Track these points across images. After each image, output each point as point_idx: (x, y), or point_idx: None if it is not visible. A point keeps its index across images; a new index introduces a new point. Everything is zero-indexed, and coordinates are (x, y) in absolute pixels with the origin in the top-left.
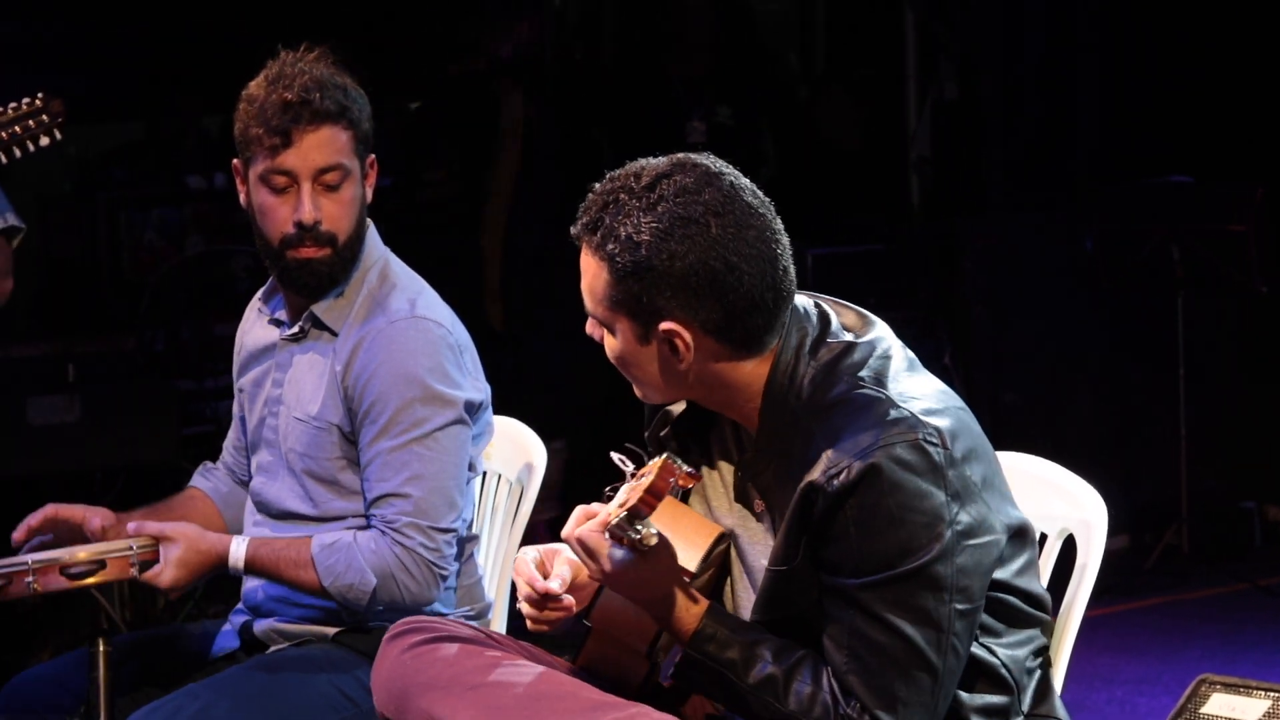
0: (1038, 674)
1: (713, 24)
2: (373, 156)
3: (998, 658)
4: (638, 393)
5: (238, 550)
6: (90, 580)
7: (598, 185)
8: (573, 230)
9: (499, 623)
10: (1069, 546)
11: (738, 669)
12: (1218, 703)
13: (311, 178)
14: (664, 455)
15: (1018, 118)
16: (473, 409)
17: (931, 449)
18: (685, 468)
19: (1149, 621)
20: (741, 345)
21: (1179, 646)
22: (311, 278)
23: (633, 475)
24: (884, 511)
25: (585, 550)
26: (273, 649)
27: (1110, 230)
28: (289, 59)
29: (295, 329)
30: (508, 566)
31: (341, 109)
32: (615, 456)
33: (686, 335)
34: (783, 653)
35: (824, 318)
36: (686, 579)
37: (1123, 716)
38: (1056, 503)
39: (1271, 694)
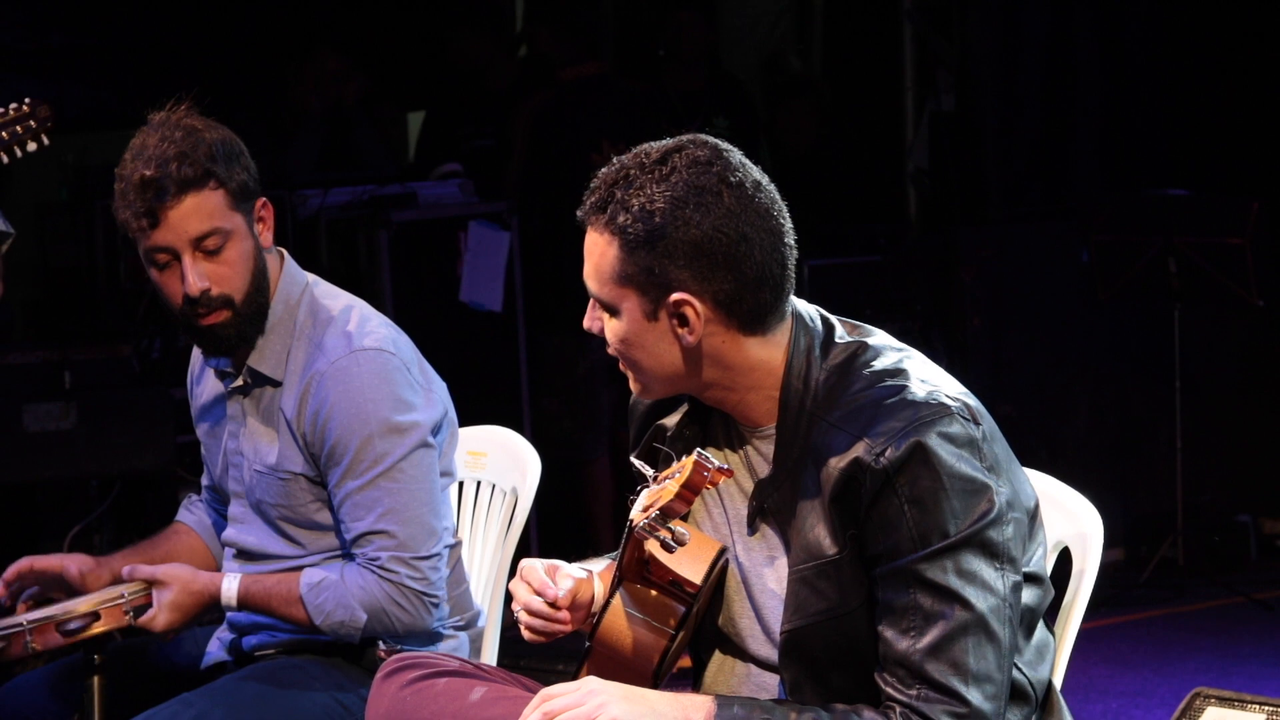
0: (1048, 685)
1: (707, 37)
2: (262, 200)
3: (1021, 672)
4: (635, 386)
5: (230, 588)
6: (87, 633)
7: (603, 170)
8: (579, 212)
9: (492, 632)
10: (1064, 559)
11: (773, 710)
12: (1213, 716)
13: (190, 248)
14: (695, 452)
15: (1015, 129)
16: (435, 422)
17: (966, 424)
18: (716, 464)
19: (1144, 634)
20: (749, 320)
21: (1174, 660)
22: (220, 342)
23: (655, 479)
24: (936, 485)
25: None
26: (264, 660)
27: (1107, 242)
28: (153, 124)
29: (237, 382)
30: (501, 577)
31: (205, 173)
32: (636, 461)
33: (698, 305)
34: (810, 681)
35: (827, 322)
36: (692, 593)
37: None
38: (1053, 516)
39: (1267, 708)
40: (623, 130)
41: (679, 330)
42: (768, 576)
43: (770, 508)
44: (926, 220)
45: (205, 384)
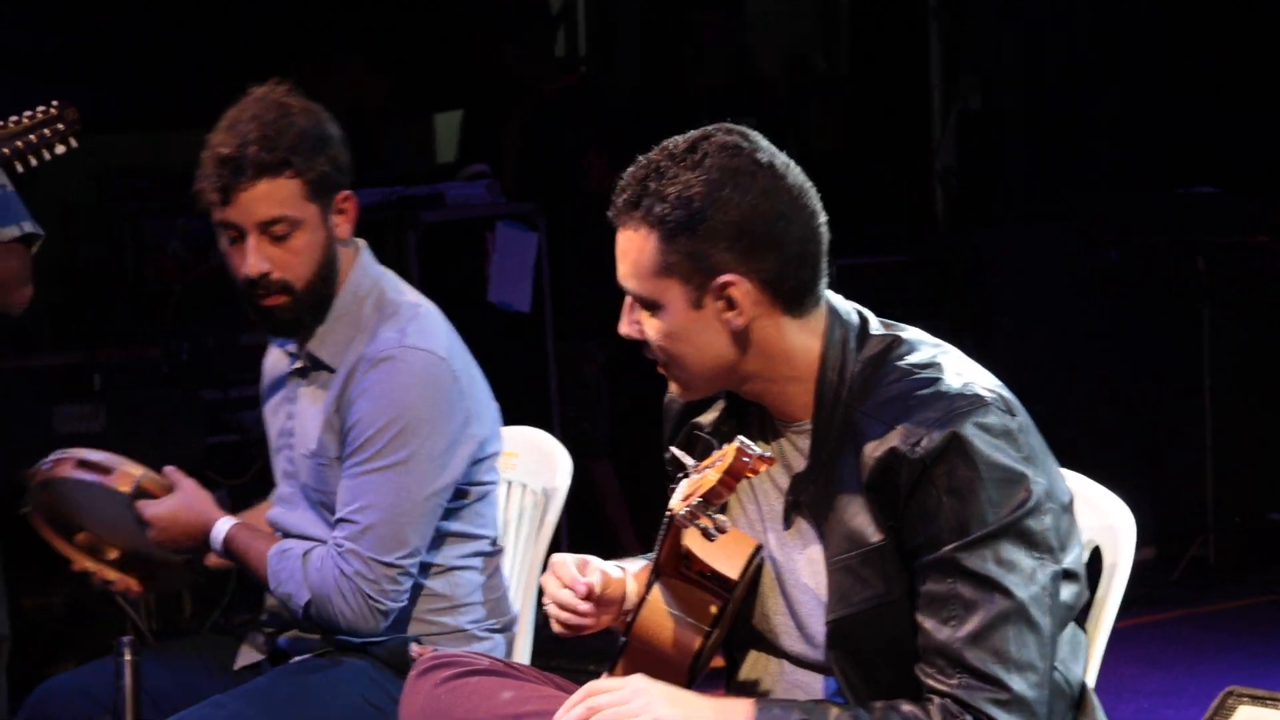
0: (1082, 683)
1: (733, 37)
2: (345, 193)
3: (1058, 670)
4: (675, 387)
5: (221, 527)
6: (94, 477)
7: (630, 169)
8: (610, 213)
9: (525, 633)
10: (1095, 558)
11: (812, 710)
12: (1245, 715)
13: (256, 231)
14: (737, 439)
15: (1042, 127)
16: (463, 437)
17: (1002, 415)
18: (759, 451)
19: (1175, 634)
20: (791, 300)
21: (1206, 658)
22: (276, 324)
23: (695, 468)
24: (973, 475)
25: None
26: (297, 658)
27: (1135, 241)
28: (250, 99)
29: (298, 364)
30: (533, 578)
31: (282, 161)
32: (675, 451)
33: (745, 285)
34: (857, 670)
35: (862, 315)
36: (729, 587)
37: None
38: (1084, 514)
39: None
40: (607, 139)
41: (725, 315)
42: (802, 572)
43: (806, 501)
44: (953, 220)
45: (271, 360)
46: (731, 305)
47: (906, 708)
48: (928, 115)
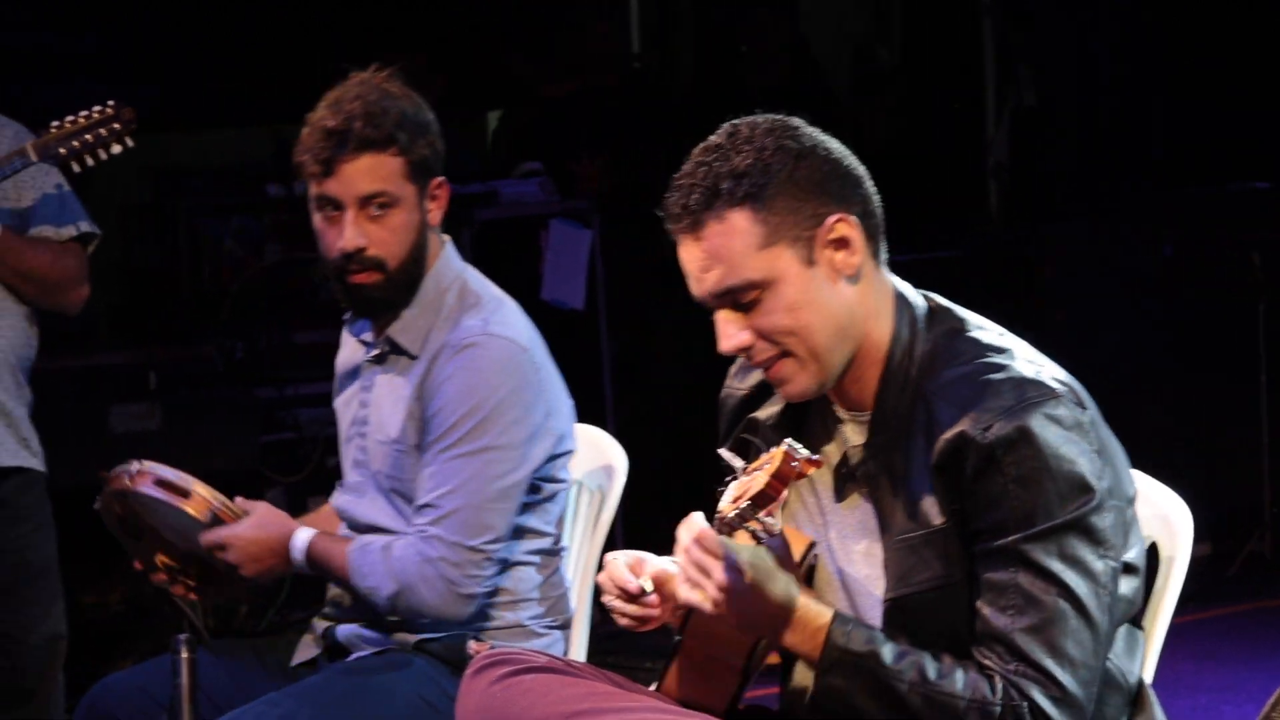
0: (1139, 680)
1: (787, 35)
2: (439, 180)
3: (1114, 664)
4: (792, 388)
5: (303, 536)
6: (171, 499)
7: (679, 179)
8: (678, 224)
9: (580, 630)
10: (1152, 554)
11: (880, 658)
12: None
13: (356, 205)
14: (785, 442)
15: (1096, 123)
16: (544, 430)
17: (1073, 408)
18: (807, 454)
19: (1233, 629)
20: (877, 243)
21: (1263, 654)
22: (366, 302)
23: (744, 471)
24: (1041, 466)
25: (703, 550)
26: (354, 655)
27: (1190, 237)
28: (352, 81)
29: (376, 351)
30: (589, 575)
31: (388, 137)
32: (725, 453)
33: (850, 218)
34: (918, 641)
35: (929, 298)
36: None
37: None
38: (1141, 510)
39: None
40: (602, 144)
41: (839, 261)
42: (858, 559)
43: (864, 476)
44: (1007, 215)
45: (345, 353)
46: (845, 245)
47: (974, 673)
48: (981, 111)
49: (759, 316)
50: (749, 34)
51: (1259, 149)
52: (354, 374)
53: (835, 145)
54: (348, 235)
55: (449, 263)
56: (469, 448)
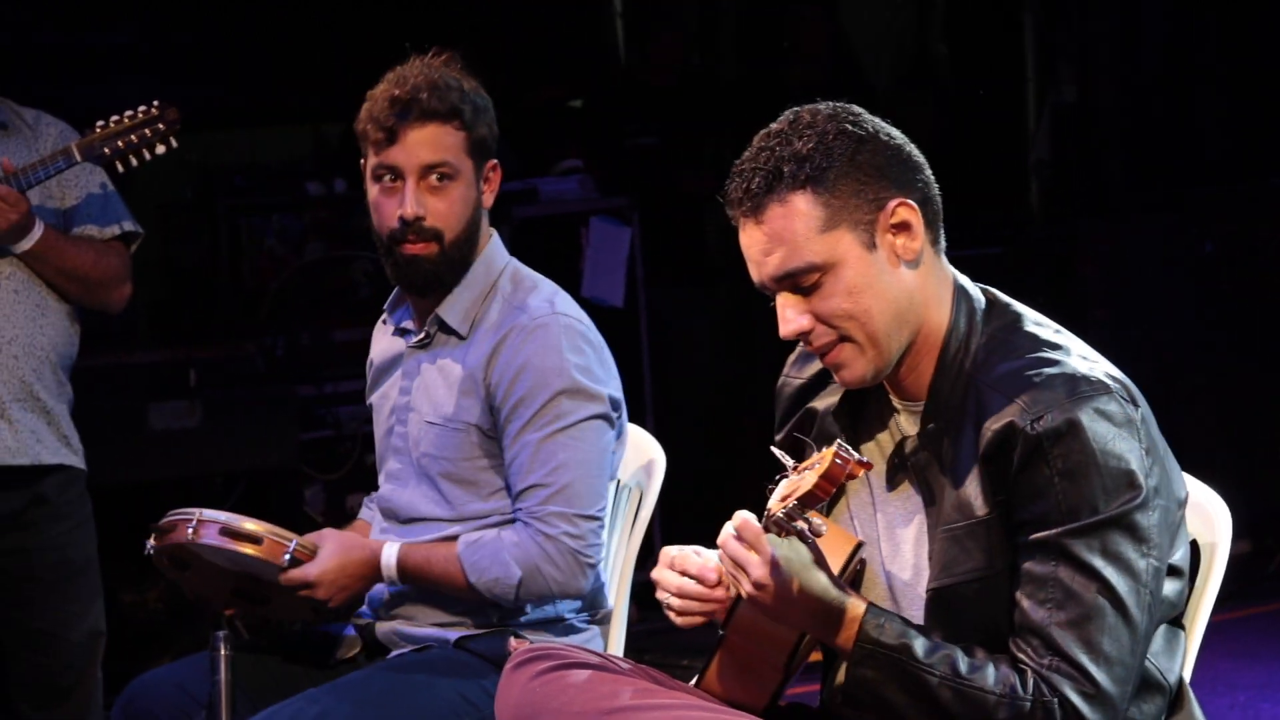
0: (1179, 680)
1: (829, 33)
2: (494, 162)
3: (1153, 664)
4: (851, 374)
5: (390, 550)
6: (242, 548)
7: (740, 165)
8: (740, 208)
9: (618, 627)
10: (1192, 552)
11: (912, 651)
12: None
13: (417, 174)
14: (835, 443)
15: (1137, 119)
16: (616, 405)
17: (1125, 404)
18: (857, 456)
19: (1272, 627)
20: (937, 229)
21: None
22: (419, 275)
23: (794, 469)
24: (1088, 460)
25: (744, 543)
26: (394, 653)
27: (1231, 232)
28: (415, 61)
29: (422, 335)
30: (627, 572)
31: (452, 109)
32: (776, 451)
33: (910, 203)
34: (950, 640)
35: (987, 292)
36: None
37: None
38: None
39: None
40: (577, 149)
41: (899, 246)
42: (905, 545)
43: (914, 466)
44: (1048, 211)
45: (380, 347)
46: (905, 229)
47: (1005, 668)
48: (1023, 107)
49: (819, 300)
50: (791, 32)
51: None
52: (392, 366)
53: (896, 132)
54: (408, 203)
55: (499, 249)
56: (564, 423)
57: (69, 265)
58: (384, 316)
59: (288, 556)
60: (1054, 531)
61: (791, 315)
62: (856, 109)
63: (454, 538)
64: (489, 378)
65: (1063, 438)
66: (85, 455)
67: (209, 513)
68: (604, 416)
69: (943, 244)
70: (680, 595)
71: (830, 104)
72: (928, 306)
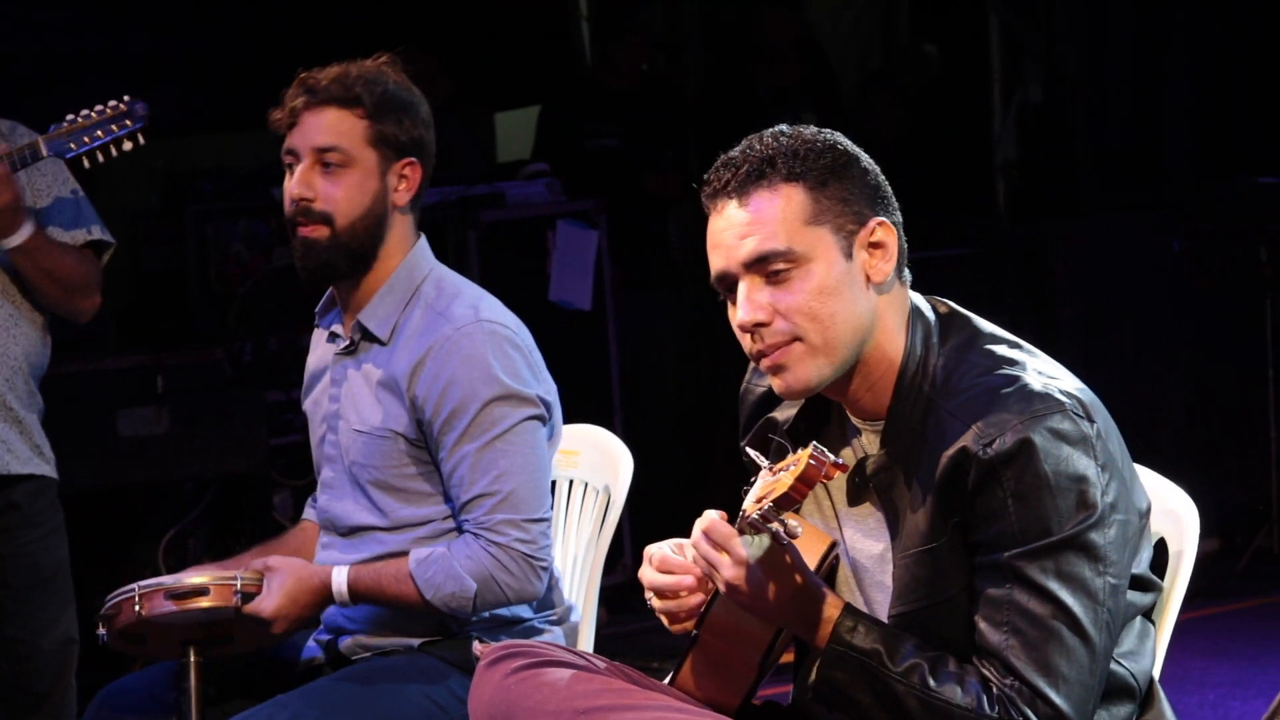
0: (1149, 678)
1: (796, 34)
2: (410, 161)
3: (1123, 667)
4: (787, 381)
5: (339, 576)
6: (194, 604)
7: (727, 157)
8: (724, 191)
9: (586, 629)
10: (1160, 550)
11: (883, 657)
12: None
13: (311, 157)
14: (811, 445)
15: (1104, 119)
16: (547, 405)
17: (1080, 420)
18: (833, 458)
19: (1241, 624)
20: (903, 264)
21: (1272, 649)
22: (312, 260)
23: (769, 470)
24: (1041, 481)
25: (713, 545)
26: (361, 657)
27: (1198, 231)
28: (358, 60)
29: (347, 341)
30: (595, 574)
31: (353, 97)
32: (750, 452)
33: (890, 225)
34: (924, 646)
35: (940, 306)
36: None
37: None
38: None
39: None
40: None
41: (873, 265)
42: (874, 568)
43: (877, 488)
44: (1015, 212)
45: (314, 355)
46: (880, 249)
47: (975, 682)
48: (989, 108)
49: (785, 293)
50: (756, 35)
51: (1269, 144)
52: (322, 372)
53: (877, 168)
54: (295, 183)
55: (424, 255)
56: (499, 430)
57: (54, 265)
58: (316, 321)
59: (238, 595)
60: (1008, 554)
61: (753, 302)
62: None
63: (399, 554)
64: (414, 390)
65: (1015, 459)
66: (55, 462)
67: (146, 583)
68: (537, 418)
69: (907, 278)
70: (659, 594)
71: (819, 128)
72: (885, 333)
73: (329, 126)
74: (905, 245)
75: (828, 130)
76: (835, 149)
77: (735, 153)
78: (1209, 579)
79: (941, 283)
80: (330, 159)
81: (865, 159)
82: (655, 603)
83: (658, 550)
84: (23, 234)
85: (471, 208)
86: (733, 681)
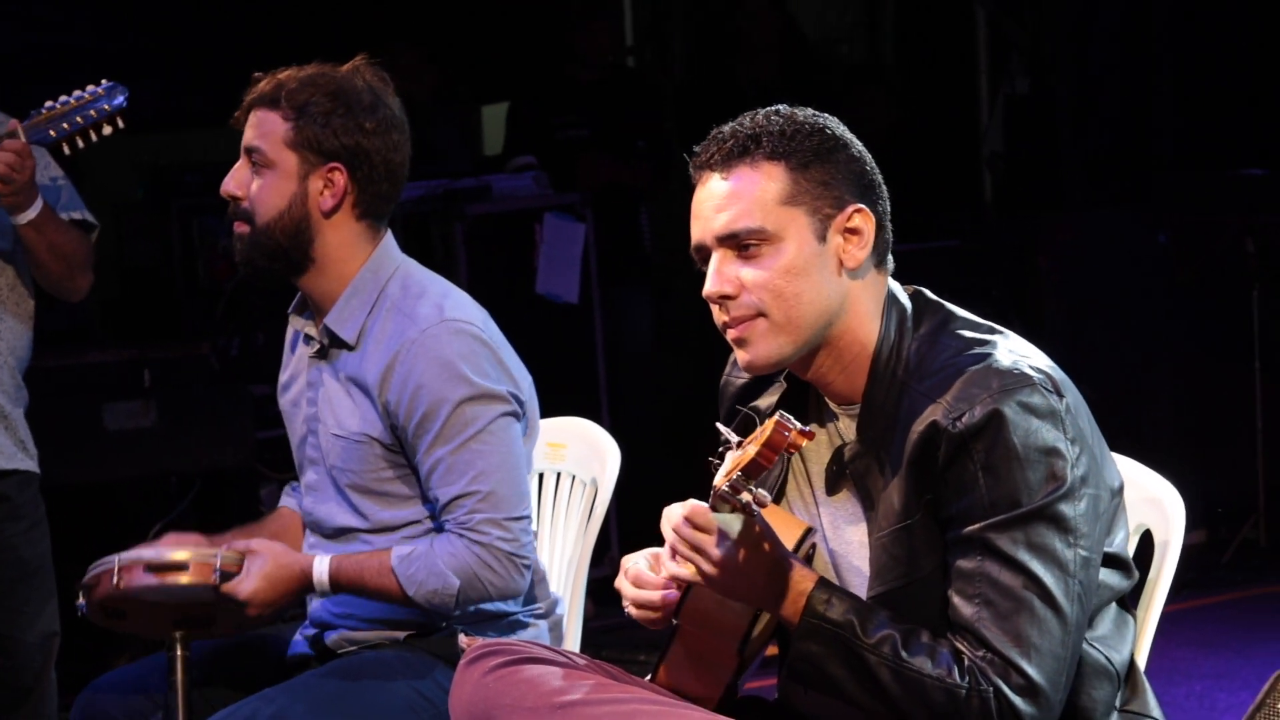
0: (1132, 665)
1: (778, 26)
2: (335, 166)
3: (1099, 651)
4: (751, 356)
5: (321, 566)
6: (173, 579)
7: (718, 131)
8: (710, 163)
9: (574, 623)
10: (1146, 542)
11: (856, 629)
12: None
13: (244, 154)
14: (778, 413)
15: (1091, 112)
16: (519, 400)
17: (1049, 395)
18: (799, 425)
19: (1227, 616)
20: (884, 252)
21: (1258, 641)
22: (240, 256)
23: (738, 445)
24: (1010, 454)
25: (695, 528)
26: (346, 650)
27: (1185, 223)
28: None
29: (319, 345)
30: (582, 567)
31: (278, 98)
32: (721, 427)
33: (869, 216)
34: (898, 619)
35: (917, 295)
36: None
37: (1202, 711)
38: (1134, 499)
39: None
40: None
41: (846, 250)
42: (853, 553)
43: (853, 474)
44: (1002, 205)
45: (292, 355)
46: (855, 235)
47: (947, 653)
48: (975, 100)
49: (754, 269)
50: (740, 27)
51: (1255, 136)
52: (299, 374)
53: (870, 158)
54: (226, 178)
55: (388, 254)
56: (473, 430)
57: (61, 240)
58: (291, 317)
59: (217, 574)
60: (978, 526)
61: (722, 275)
62: (843, 125)
63: (382, 549)
64: (385, 396)
65: (984, 432)
66: (41, 456)
67: (126, 555)
68: (510, 414)
69: (889, 266)
70: (640, 606)
71: (817, 111)
72: (857, 317)
73: (257, 125)
74: (890, 235)
75: (823, 115)
76: (824, 132)
77: (727, 127)
78: (1195, 571)
79: (928, 275)
80: (255, 159)
81: (856, 147)
82: (633, 611)
83: (634, 566)
84: (36, 208)
85: (458, 201)
86: (713, 673)
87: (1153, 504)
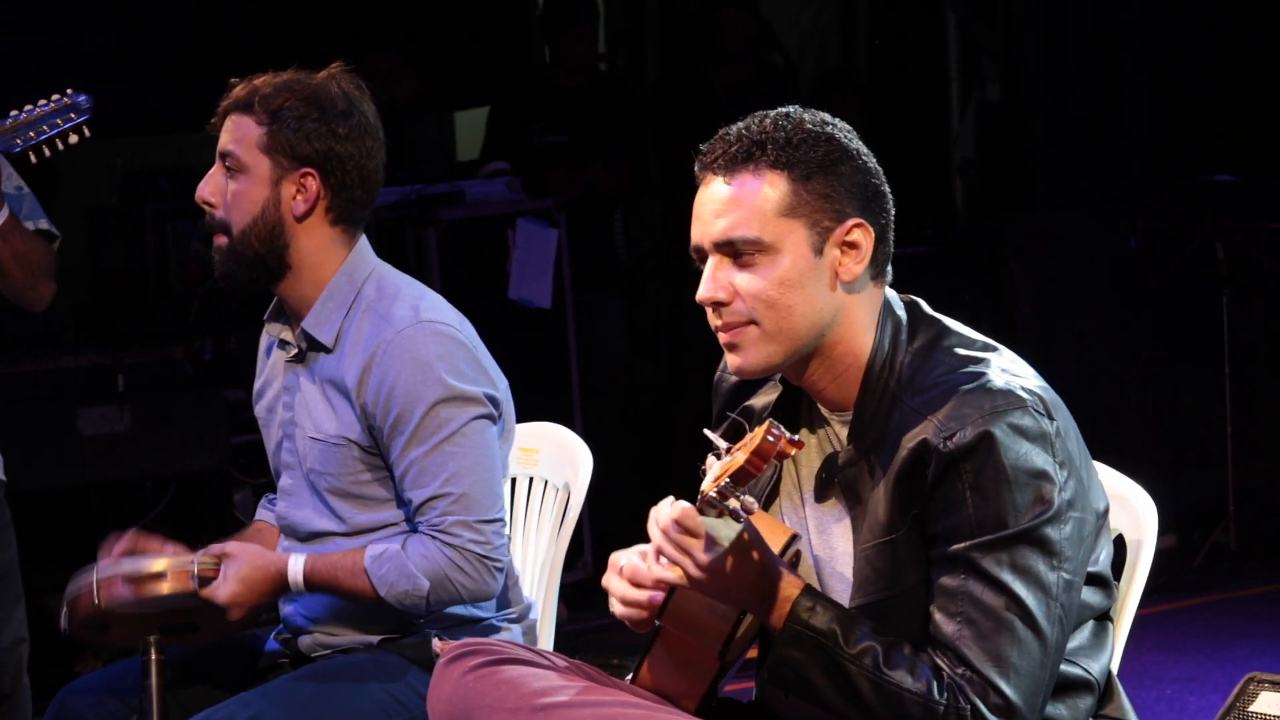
0: (1106, 675)
1: (752, 32)
2: (309, 171)
3: (1077, 665)
4: (741, 361)
5: (295, 565)
6: (152, 590)
7: (727, 131)
8: (715, 165)
9: (546, 628)
10: (1118, 547)
11: (838, 638)
12: (1266, 700)
13: (219, 159)
14: (767, 421)
15: (1061, 117)
16: (494, 402)
17: (1040, 417)
18: (788, 434)
19: (1197, 620)
20: (882, 266)
21: (1227, 644)
22: (219, 268)
23: (727, 451)
24: (999, 475)
25: (683, 531)
26: (321, 654)
27: (1155, 228)
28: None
29: (296, 350)
30: (555, 572)
31: (251, 103)
32: (710, 434)
33: (869, 231)
34: (881, 631)
35: (913, 306)
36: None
37: (1171, 714)
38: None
39: None
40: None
41: (843, 264)
42: (839, 561)
43: (842, 483)
44: (973, 210)
45: (267, 361)
46: (853, 249)
47: (927, 669)
48: (946, 106)
49: (748, 277)
50: (714, 34)
51: (1225, 142)
52: (274, 378)
53: (877, 167)
54: (201, 184)
55: (363, 257)
56: (447, 432)
57: (26, 249)
58: (265, 324)
59: (194, 580)
60: (964, 545)
61: (716, 281)
62: (851, 129)
63: (356, 549)
64: (362, 397)
65: (974, 452)
66: (14, 461)
67: (103, 570)
68: (485, 416)
69: (887, 278)
70: (630, 604)
71: (832, 117)
72: (850, 328)
73: (229, 131)
74: (891, 247)
75: (835, 122)
76: (831, 143)
77: (734, 129)
78: (1166, 575)
79: (900, 281)
80: (229, 164)
81: (863, 159)
82: (619, 609)
83: (626, 560)
84: (2, 216)
85: (431, 206)
86: (694, 675)
87: (1125, 508)
